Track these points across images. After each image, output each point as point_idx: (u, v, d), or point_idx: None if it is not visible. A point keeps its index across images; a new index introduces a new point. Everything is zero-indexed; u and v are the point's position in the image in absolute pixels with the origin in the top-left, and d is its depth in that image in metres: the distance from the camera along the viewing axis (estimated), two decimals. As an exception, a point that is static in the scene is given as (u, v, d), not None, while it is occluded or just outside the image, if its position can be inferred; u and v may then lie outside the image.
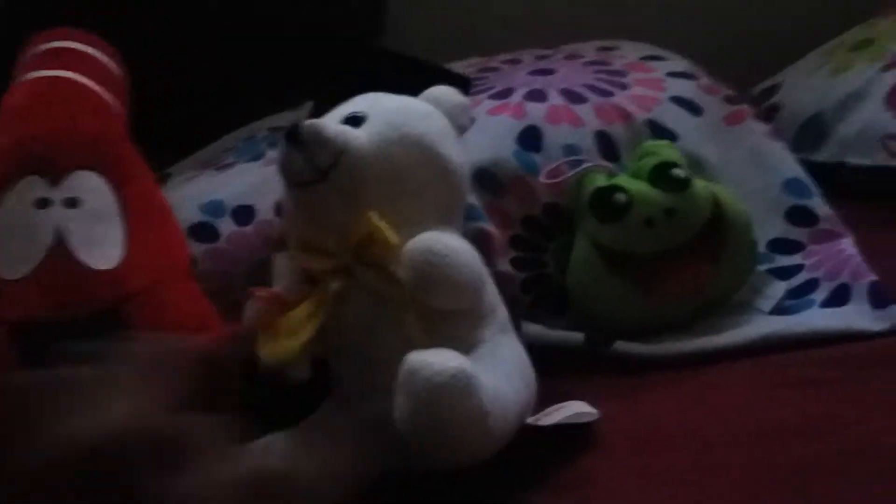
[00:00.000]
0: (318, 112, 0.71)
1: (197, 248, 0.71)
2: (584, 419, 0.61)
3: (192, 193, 0.77)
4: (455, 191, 0.65)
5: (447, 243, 0.57)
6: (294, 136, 0.61)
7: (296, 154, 0.61)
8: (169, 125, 0.93)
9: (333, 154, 0.60)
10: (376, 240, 0.59)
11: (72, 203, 0.61)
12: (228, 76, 0.97)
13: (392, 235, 0.59)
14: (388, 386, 0.55)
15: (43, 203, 0.60)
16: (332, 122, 0.64)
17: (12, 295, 0.57)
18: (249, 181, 0.77)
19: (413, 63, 0.89)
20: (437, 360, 0.52)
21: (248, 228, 0.73)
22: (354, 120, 0.63)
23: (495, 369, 0.57)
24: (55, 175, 0.61)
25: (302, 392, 0.62)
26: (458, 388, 0.51)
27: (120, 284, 0.59)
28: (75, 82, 0.68)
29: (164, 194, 0.82)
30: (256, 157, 0.83)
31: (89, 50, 0.71)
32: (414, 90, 0.68)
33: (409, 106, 0.66)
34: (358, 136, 0.62)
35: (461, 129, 0.68)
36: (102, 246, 0.60)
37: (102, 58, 0.72)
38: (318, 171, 0.60)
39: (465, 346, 0.57)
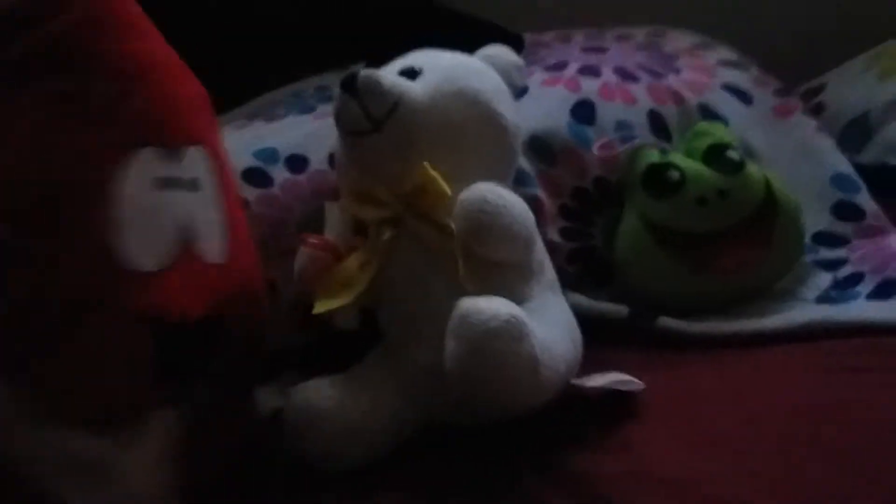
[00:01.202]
0: (371, 67, 0.71)
1: (250, 193, 0.71)
2: (628, 387, 0.61)
3: (244, 140, 0.77)
4: (507, 148, 0.66)
5: (501, 194, 0.58)
6: (350, 85, 0.61)
7: (351, 103, 0.61)
8: (213, 82, 0.93)
9: (389, 104, 0.61)
10: (429, 190, 0.59)
11: (194, 185, 0.53)
12: (276, 32, 0.97)
13: (445, 186, 0.59)
14: (434, 336, 0.55)
15: (169, 183, 0.52)
16: (388, 73, 0.64)
17: (147, 289, 0.50)
18: (303, 132, 0.77)
19: (466, 21, 0.89)
20: (490, 306, 0.53)
21: (302, 177, 0.72)
22: (410, 73, 0.64)
23: (544, 324, 0.57)
24: (173, 149, 0.52)
25: (350, 339, 0.62)
26: (511, 334, 0.52)
27: (227, 283, 0.54)
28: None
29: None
30: (307, 111, 0.83)
31: None
32: (467, 48, 0.68)
33: (464, 62, 0.66)
34: (414, 87, 0.62)
35: (515, 89, 0.68)
36: (213, 237, 0.54)
37: None
38: (372, 121, 0.61)
39: (514, 299, 0.57)
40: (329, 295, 0.60)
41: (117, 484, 0.49)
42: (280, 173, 0.73)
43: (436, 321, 0.56)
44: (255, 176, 0.72)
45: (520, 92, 0.77)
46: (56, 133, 0.50)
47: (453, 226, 0.58)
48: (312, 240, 0.63)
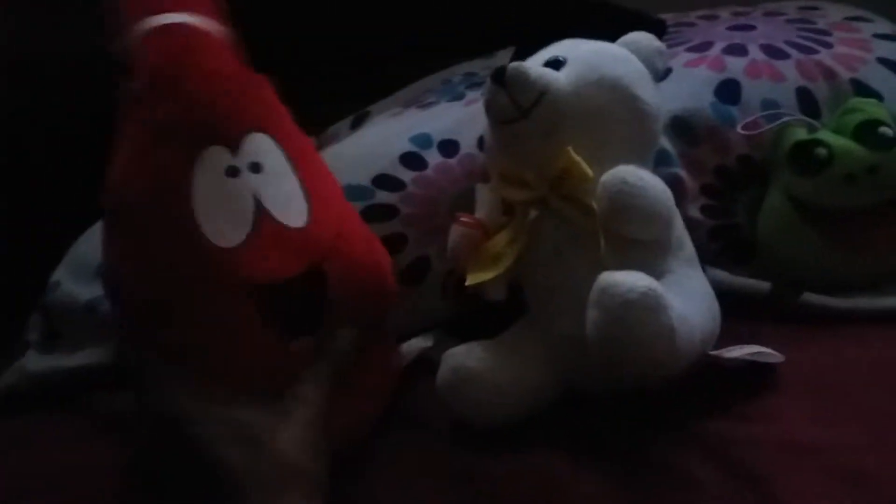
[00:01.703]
0: (518, 58, 0.75)
1: (406, 175, 0.77)
2: (767, 359, 0.63)
3: (400, 127, 0.83)
4: (648, 131, 0.69)
5: (641, 175, 0.61)
6: (500, 77, 0.66)
7: (500, 93, 0.66)
8: (364, 71, 1.00)
9: (535, 94, 0.65)
10: (573, 173, 0.63)
11: (255, 168, 0.61)
12: (425, 22, 1.02)
13: (588, 169, 0.63)
14: (574, 309, 0.59)
15: (233, 171, 0.60)
16: (534, 64, 0.68)
17: (236, 262, 0.58)
18: (453, 118, 0.82)
19: (608, 9, 0.91)
20: (629, 279, 0.56)
21: (453, 160, 0.78)
22: (555, 63, 0.68)
23: (682, 296, 0.60)
24: (232, 142, 0.61)
25: (496, 311, 0.67)
26: (648, 305, 0.55)
27: (315, 241, 0.61)
28: (206, 32, 0.63)
29: (369, 129, 0.90)
30: (457, 98, 0.88)
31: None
32: (610, 36, 0.71)
33: (605, 50, 0.69)
34: (558, 77, 0.66)
35: (657, 73, 0.70)
36: (291, 205, 0.61)
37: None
38: (520, 110, 0.65)
39: (653, 274, 0.60)
40: (479, 268, 0.65)
41: (273, 451, 0.57)
42: (434, 157, 0.78)
43: (576, 295, 0.60)
44: (411, 160, 0.78)
45: (662, 75, 0.79)
46: (145, 150, 0.61)
47: (595, 206, 0.62)
48: (464, 218, 0.68)
